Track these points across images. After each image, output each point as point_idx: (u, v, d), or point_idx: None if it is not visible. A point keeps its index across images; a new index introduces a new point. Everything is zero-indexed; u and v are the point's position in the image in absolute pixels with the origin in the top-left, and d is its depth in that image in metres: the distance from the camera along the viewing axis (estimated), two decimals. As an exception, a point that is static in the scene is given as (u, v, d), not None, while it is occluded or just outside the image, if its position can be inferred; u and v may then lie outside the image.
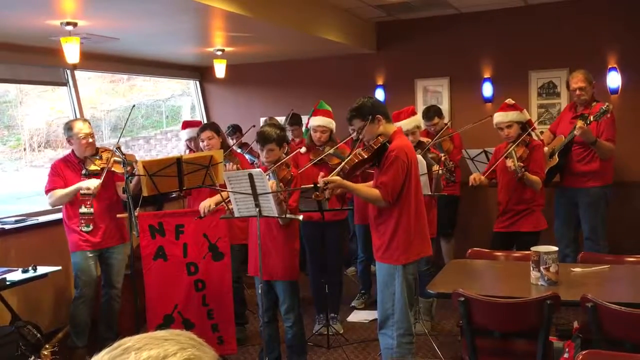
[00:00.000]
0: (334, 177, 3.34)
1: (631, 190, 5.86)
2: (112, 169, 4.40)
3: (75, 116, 6.01)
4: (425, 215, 3.55)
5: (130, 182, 4.25)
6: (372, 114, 3.42)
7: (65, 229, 4.45)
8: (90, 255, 4.39)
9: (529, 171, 4.30)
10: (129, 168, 4.25)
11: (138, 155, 10.89)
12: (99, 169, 4.39)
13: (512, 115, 4.42)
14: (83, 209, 4.33)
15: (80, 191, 4.28)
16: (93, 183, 4.28)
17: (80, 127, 4.38)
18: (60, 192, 4.31)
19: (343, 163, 3.44)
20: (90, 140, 4.40)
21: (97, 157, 4.44)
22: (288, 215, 3.68)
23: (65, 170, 4.39)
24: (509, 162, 4.28)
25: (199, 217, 4.03)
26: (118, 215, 4.56)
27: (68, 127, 4.42)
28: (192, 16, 4.64)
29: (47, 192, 4.37)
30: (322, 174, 3.46)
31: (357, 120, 3.46)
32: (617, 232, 5.54)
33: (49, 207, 4.75)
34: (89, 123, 4.54)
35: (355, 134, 3.56)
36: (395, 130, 3.53)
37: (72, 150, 4.46)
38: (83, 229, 4.34)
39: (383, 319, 3.52)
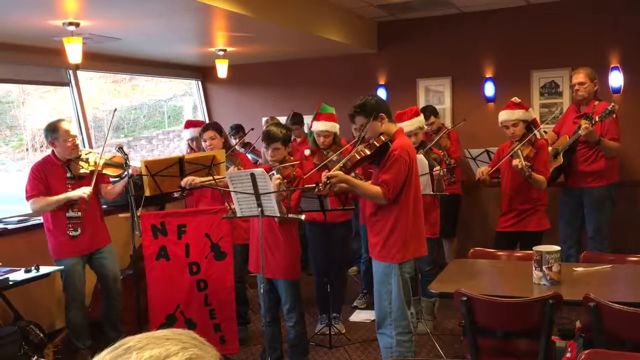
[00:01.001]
0: (337, 172, 3.35)
1: (633, 189, 5.85)
2: (104, 171, 4.37)
3: (78, 117, 6.02)
4: (422, 215, 3.55)
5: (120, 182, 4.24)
6: (376, 112, 3.43)
7: (48, 236, 4.30)
8: (78, 260, 4.31)
9: (535, 170, 4.29)
10: (131, 171, 4.24)
11: (140, 155, 10.91)
12: (88, 171, 4.29)
13: (518, 114, 4.41)
14: (71, 213, 4.24)
15: (71, 199, 4.19)
16: (85, 191, 4.17)
17: (67, 128, 4.22)
18: (47, 199, 4.15)
19: (345, 159, 3.45)
20: (77, 142, 4.29)
21: (83, 160, 4.32)
22: (290, 215, 3.69)
23: (48, 174, 4.22)
24: (516, 162, 4.27)
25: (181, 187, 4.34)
26: (120, 215, 4.57)
27: (52, 128, 4.21)
28: (194, 16, 4.64)
29: (29, 198, 4.17)
30: (325, 171, 3.48)
31: (361, 117, 3.47)
32: (621, 232, 5.53)
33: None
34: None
35: (357, 131, 3.56)
36: (397, 129, 3.54)
37: (53, 152, 4.29)
38: (71, 234, 4.24)
39: (381, 318, 3.52)
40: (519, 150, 4.29)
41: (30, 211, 5.10)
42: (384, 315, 3.49)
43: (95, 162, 4.33)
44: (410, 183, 3.40)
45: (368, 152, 3.42)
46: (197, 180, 4.28)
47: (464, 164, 5.80)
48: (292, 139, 6.14)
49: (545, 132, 5.35)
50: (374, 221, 3.50)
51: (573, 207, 5.09)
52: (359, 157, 3.43)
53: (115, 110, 5.28)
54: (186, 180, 4.28)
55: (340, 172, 3.37)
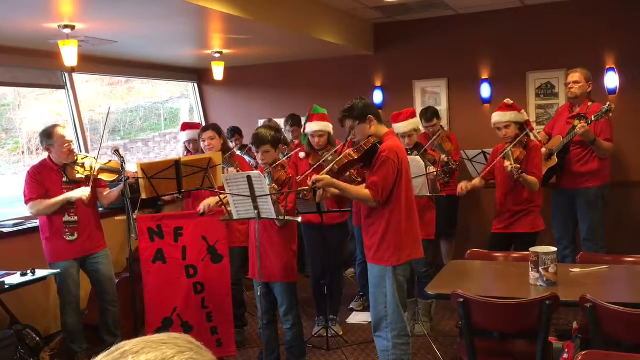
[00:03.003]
0: (323, 176, 3.34)
1: (629, 190, 5.86)
2: (99, 176, 4.36)
3: (74, 119, 6.01)
4: (416, 217, 3.53)
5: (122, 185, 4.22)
6: (364, 115, 3.42)
7: (44, 239, 4.29)
8: (72, 263, 4.30)
9: (527, 172, 4.30)
10: (126, 175, 4.23)
11: (136, 157, 10.89)
12: (84, 177, 4.29)
13: (510, 116, 4.42)
14: (67, 218, 4.24)
15: (70, 200, 4.18)
16: (84, 192, 4.18)
17: (62, 134, 4.22)
18: (47, 202, 4.15)
19: (333, 163, 3.44)
20: (72, 147, 4.29)
21: (79, 165, 4.32)
22: (286, 217, 3.68)
23: (45, 177, 4.22)
24: (506, 164, 4.28)
25: (199, 214, 4.13)
26: (116, 218, 4.55)
27: (47, 134, 4.22)
28: (190, 18, 4.64)
29: (28, 201, 4.18)
30: (312, 175, 3.44)
31: (349, 121, 3.46)
32: (615, 233, 5.54)
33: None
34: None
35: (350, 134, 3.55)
36: (387, 131, 3.53)
37: (49, 157, 4.29)
38: (68, 238, 4.24)
39: (377, 321, 3.51)
40: (509, 152, 4.30)
41: (26, 214, 5.10)
42: (380, 318, 3.48)
43: (91, 167, 4.33)
44: (400, 184, 3.38)
45: (355, 156, 3.40)
46: (213, 202, 4.17)
47: (461, 164, 5.81)
48: (290, 140, 6.16)
49: (539, 133, 5.37)
50: (368, 224, 3.49)
51: (566, 208, 5.10)
52: (346, 161, 3.42)
53: (110, 108, 5.14)
54: (204, 205, 4.18)
55: (327, 176, 3.34)
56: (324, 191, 3.38)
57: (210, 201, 4.18)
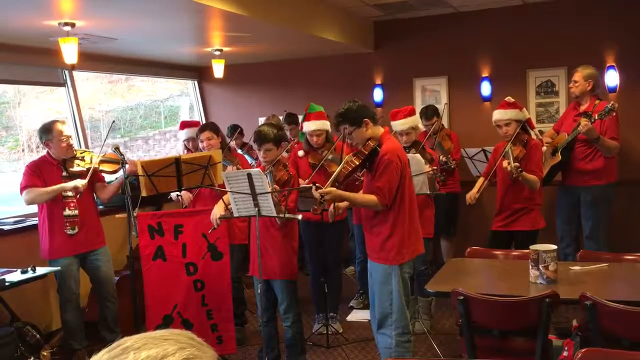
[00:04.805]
0: (330, 189, 3.34)
1: (629, 188, 5.86)
2: (100, 168, 4.36)
3: (74, 117, 6.01)
4: (417, 215, 3.55)
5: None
6: (360, 119, 3.41)
7: (43, 236, 4.27)
8: (72, 260, 4.29)
9: (527, 170, 4.30)
10: (127, 168, 4.24)
11: (137, 155, 10.90)
12: (84, 169, 4.28)
13: (510, 113, 4.42)
14: (67, 212, 4.22)
15: (64, 193, 4.16)
16: (79, 182, 4.16)
17: (61, 129, 4.23)
18: (42, 189, 4.13)
19: (336, 173, 3.45)
20: (71, 142, 4.29)
21: (79, 159, 4.32)
22: (287, 215, 3.68)
23: (44, 172, 4.22)
24: (505, 163, 4.29)
25: (213, 229, 3.90)
26: (117, 216, 4.55)
27: (46, 129, 4.23)
28: (191, 16, 4.63)
29: (23, 189, 4.17)
30: (315, 185, 3.41)
31: (345, 126, 3.45)
32: (618, 230, 5.54)
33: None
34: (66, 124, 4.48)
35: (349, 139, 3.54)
36: (383, 131, 3.53)
37: (48, 153, 4.29)
38: (69, 232, 4.22)
39: (381, 319, 3.52)
40: (509, 151, 4.31)
41: (26, 211, 5.10)
42: (385, 315, 3.49)
43: (91, 160, 4.34)
44: (404, 185, 3.40)
45: (357, 163, 3.41)
46: (222, 211, 3.89)
47: (461, 163, 5.81)
48: (289, 138, 6.16)
49: (541, 132, 5.37)
50: (372, 225, 3.50)
51: (570, 206, 5.10)
52: (350, 169, 3.42)
53: (113, 122, 5.21)
54: (214, 218, 3.86)
55: (333, 189, 3.35)
56: (335, 206, 3.43)
57: (216, 212, 3.91)
